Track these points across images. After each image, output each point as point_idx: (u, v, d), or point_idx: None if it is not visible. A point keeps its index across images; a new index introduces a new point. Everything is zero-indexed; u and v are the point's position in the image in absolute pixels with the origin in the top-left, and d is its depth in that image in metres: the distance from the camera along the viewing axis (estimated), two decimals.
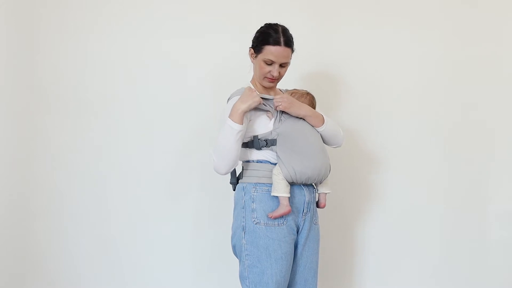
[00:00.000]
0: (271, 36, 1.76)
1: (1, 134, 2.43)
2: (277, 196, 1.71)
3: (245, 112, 1.68)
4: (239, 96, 1.73)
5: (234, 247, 1.80)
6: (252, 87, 1.85)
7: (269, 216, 1.70)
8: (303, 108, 1.78)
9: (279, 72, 1.79)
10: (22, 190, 2.45)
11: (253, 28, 1.85)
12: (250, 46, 1.84)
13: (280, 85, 1.94)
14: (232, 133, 1.67)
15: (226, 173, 1.75)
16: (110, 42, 2.45)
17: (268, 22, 1.83)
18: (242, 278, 1.75)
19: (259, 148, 1.76)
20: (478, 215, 2.48)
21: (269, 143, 1.74)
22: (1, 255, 2.44)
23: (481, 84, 2.48)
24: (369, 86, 2.48)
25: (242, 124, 1.68)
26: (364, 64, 2.48)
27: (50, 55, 2.44)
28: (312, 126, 1.81)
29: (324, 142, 1.86)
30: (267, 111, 1.77)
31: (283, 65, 1.80)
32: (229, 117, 1.68)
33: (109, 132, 2.45)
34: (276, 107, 1.74)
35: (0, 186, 2.43)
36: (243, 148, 1.81)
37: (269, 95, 1.83)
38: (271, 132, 1.74)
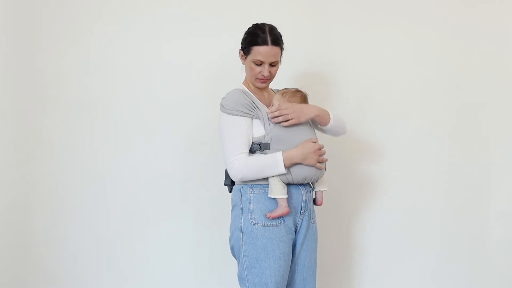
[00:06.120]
0: (258, 36, 1.75)
1: (1, 134, 2.44)
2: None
3: None
4: (231, 101, 1.73)
5: (232, 248, 1.80)
6: (245, 88, 1.85)
7: (268, 216, 1.71)
8: (310, 111, 1.77)
9: (270, 72, 1.78)
10: (22, 190, 2.45)
11: None
12: (240, 48, 1.84)
13: (274, 85, 1.93)
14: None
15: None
16: (110, 42, 2.44)
17: (262, 22, 1.82)
18: (241, 279, 1.75)
19: (253, 152, 1.75)
20: (478, 215, 2.48)
21: (262, 147, 1.73)
22: (1, 255, 2.44)
23: (481, 83, 2.47)
24: (368, 85, 2.47)
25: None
26: (362, 64, 2.46)
27: (51, 55, 2.44)
28: (312, 125, 1.82)
29: (330, 134, 1.89)
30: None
31: (273, 64, 1.79)
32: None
33: (109, 132, 2.45)
34: (278, 122, 1.72)
35: (0, 186, 2.44)
36: None
37: (263, 98, 1.84)
38: (264, 136, 1.73)
